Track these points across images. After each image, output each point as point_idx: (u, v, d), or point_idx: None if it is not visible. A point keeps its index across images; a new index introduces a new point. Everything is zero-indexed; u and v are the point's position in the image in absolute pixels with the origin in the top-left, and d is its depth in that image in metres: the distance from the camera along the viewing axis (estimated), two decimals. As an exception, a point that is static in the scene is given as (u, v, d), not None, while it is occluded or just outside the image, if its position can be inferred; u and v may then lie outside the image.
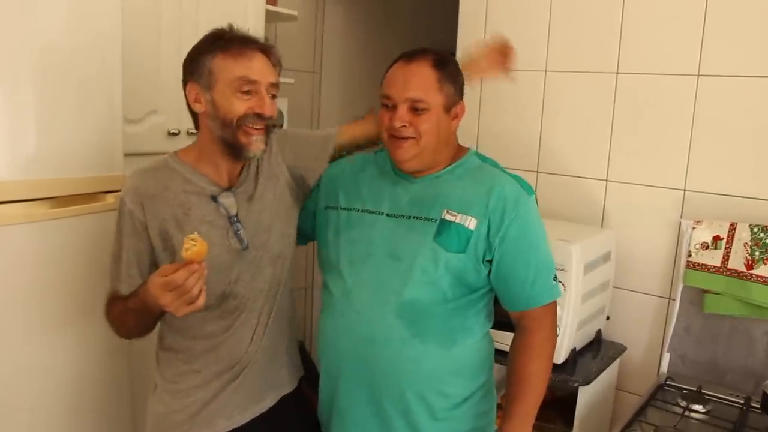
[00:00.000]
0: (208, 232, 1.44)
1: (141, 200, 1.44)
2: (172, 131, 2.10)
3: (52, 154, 1.64)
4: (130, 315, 1.44)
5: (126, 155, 1.80)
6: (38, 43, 1.58)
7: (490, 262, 1.52)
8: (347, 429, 1.62)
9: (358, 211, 1.61)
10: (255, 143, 1.45)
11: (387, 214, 1.57)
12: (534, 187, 1.68)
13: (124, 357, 1.80)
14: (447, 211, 1.52)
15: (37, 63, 1.58)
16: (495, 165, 1.62)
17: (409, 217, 1.55)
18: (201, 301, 1.28)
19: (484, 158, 1.63)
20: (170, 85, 1.90)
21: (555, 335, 1.61)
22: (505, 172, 1.60)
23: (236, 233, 1.49)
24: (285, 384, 1.66)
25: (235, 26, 1.47)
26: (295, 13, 2.85)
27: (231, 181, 1.53)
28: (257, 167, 1.57)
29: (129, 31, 1.79)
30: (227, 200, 1.49)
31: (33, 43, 1.57)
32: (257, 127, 1.45)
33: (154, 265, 1.47)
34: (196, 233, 1.29)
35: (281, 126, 2.87)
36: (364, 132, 1.73)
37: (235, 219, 1.49)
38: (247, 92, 1.42)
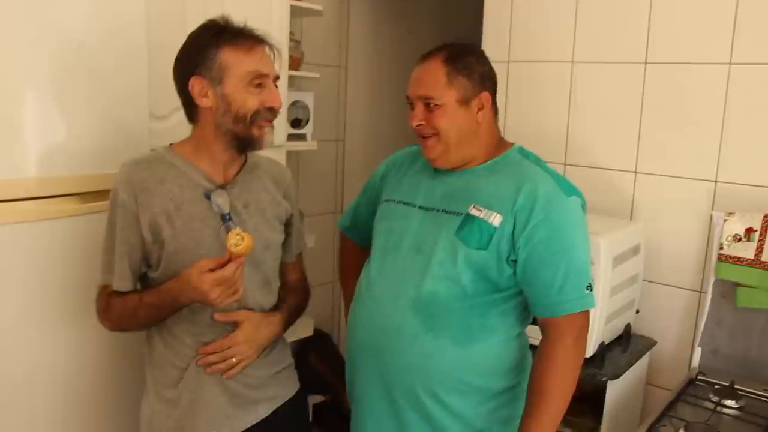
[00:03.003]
0: (200, 230, 1.45)
1: (135, 192, 1.43)
2: (199, 127, 2.10)
3: (80, 150, 1.66)
4: (146, 310, 1.44)
5: (152, 151, 1.82)
6: (63, 40, 1.59)
7: (515, 262, 1.48)
8: (363, 417, 1.64)
9: (395, 202, 1.64)
10: (267, 135, 1.47)
11: (420, 207, 1.59)
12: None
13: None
14: (474, 206, 1.50)
15: (63, 61, 1.60)
16: (538, 161, 1.57)
17: (438, 211, 1.55)
18: (242, 291, 1.39)
19: (527, 154, 1.59)
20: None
21: (581, 348, 1.51)
22: (547, 170, 1.54)
23: (228, 232, 1.45)
24: (280, 393, 1.62)
25: (229, 18, 1.46)
26: (320, 7, 2.85)
27: (226, 178, 1.51)
28: (254, 169, 1.57)
29: (154, 26, 1.80)
30: (221, 198, 1.47)
31: (58, 40, 1.58)
32: (269, 120, 1.47)
33: (144, 259, 1.47)
34: (238, 228, 1.37)
35: (307, 121, 2.87)
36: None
37: (228, 218, 1.47)
38: (258, 86, 1.44)
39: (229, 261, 1.35)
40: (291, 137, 2.81)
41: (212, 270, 1.34)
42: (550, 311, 1.48)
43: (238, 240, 1.33)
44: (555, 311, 1.48)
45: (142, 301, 1.44)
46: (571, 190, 1.52)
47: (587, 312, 1.51)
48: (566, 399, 1.49)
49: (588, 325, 1.52)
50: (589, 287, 1.49)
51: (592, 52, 2.42)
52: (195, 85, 1.42)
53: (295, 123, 2.83)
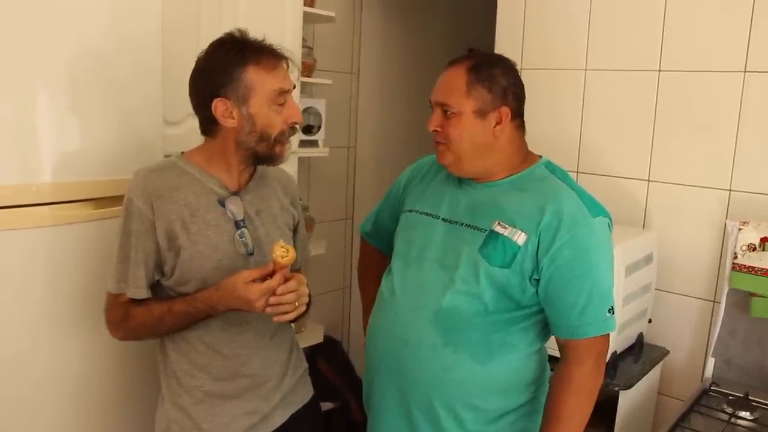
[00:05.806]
0: (215, 236, 1.45)
1: (150, 200, 1.43)
2: (211, 133, 2.10)
3: (95, 156, 1.66)
4: (174, 318, 1.43)
5: (166, 157, 1.82)
6: (81, 49, 1.60)
7: (538, 281, 1.46)
8: (379, 426, 1.63)
9: (418, 212, 1.62)
10: (287, 150, 1.49)
11: (443, 219, 1.57)
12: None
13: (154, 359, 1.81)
14: (498, 223, 1.48)
15: (78, 66, 1.60)
16: (564, 177, 1.54)
17: (462, 224, 1.53)
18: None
19: (553, 169, 1.56)
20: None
21: (599, 372, 1.49)
22: (573, 186, 1.51)
23: (241, 238, 1.48)
24: (296, 398, 1.62)
25: (245, 31, 1.45)
26: (332, 14, 2.85)
27: (239, 185, 1.52)
28: (263, 177, 1.58)
29: (169, 32, 1.80)
30: (234, 205, 1.48)
31: (75, 49, 1.59)
32: (290, 137, 1.49)
33: (157, 267, 1.47)
34: (281, 240, 1.40)
35: (319, 127, 2.88)
36: None
37: (242, 224, 1.48)
38: (281, 103, 1.44)
39: (273, 272, 1.37)
40: (303, 144, 2.81)
41: (253, 280, 1.36)
42: (570, 333, 1.47)
43: (283, 252, 1.36)
44: (575, 333, 1.46)
45: (171, 310, 1.43)
46: (596, 209, 1.48)
47: (607, 336, 1.49)
48: (582, 423, 1.47)
49: (607, 349, 1.51)
50: (611, 311, 1.47)
51: (605, 59, 2.42)
52: (219, 106, 1.41)
53: (307, 129, 2.84)
